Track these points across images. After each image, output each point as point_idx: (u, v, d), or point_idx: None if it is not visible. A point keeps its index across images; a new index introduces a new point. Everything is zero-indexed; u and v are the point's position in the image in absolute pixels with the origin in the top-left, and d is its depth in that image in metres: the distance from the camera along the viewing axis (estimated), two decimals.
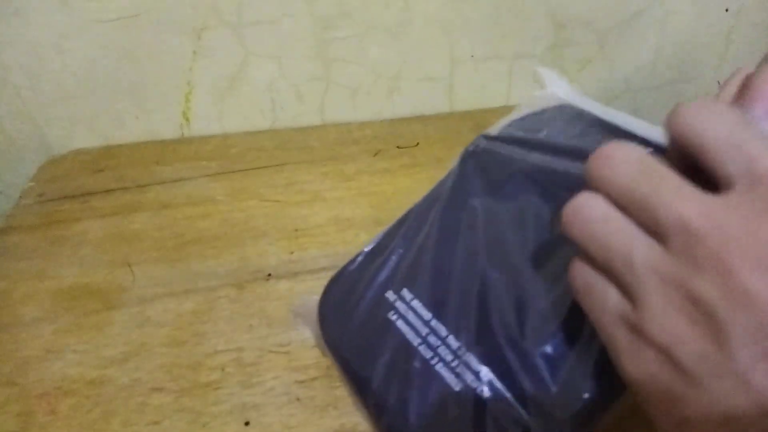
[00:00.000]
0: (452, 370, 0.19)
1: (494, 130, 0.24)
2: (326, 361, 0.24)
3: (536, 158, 0.21)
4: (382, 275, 0.22)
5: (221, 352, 0.25)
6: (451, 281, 0.20)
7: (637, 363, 0.13)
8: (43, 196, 0.36)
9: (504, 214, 0.21)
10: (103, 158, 0.40)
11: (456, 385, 0.18)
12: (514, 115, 0.24)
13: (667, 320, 0.13)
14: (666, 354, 0.13)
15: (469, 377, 0.18)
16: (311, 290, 0.28)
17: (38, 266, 0.30)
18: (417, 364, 0.19)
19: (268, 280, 0.29)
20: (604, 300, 0.14)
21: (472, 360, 0.18)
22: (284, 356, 0.25)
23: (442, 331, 0.20)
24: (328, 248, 0.31)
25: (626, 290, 0.14)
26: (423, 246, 0.22)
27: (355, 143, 0.41)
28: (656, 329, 0.13)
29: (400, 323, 0.21)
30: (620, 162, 0.14)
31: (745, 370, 0.11)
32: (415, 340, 0.20)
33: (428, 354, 0.19)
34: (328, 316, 0.23)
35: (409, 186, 0.36)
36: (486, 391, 0.18)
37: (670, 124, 0.14)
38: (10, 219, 0.34)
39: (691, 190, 0.13)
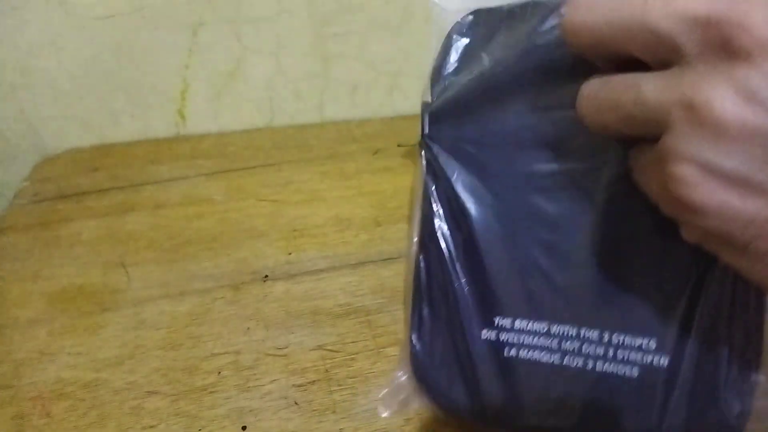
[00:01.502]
0: (614, 360, 0.16)
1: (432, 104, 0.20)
2: (324, 365, 0.24)
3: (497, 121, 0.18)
4: (461, 319, 0.18)
5: (217, 355, 0.25)
6: (525, 277, 0.17)
7: (682, 190, 0.12)
8: (38, 195, 0.35)
9: (502, 181, 0.18)
10: (98, 157, 0.39)
11: (632, 372, 0.16)
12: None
13: (714, 136, 0.11)
14: (726, 174, 0.11)
15: (635, 355, 0.16)
16: (309, 292, 0.28)
17: (32, 267, 0.30)
18: (575, 379, 0.17)
19: (265, 281, 0.28)
20: (644, 155, 0.13)
21: (623, 336, 0.16)
22: (282, 359, 0.24)
23: (571, 330, 0.17)
24: (326, 249, 0.31)
25: (652, 125, 0.12)
26: (464, 268, 0.19)
27: (355, 141, 0.41)
28: (705, 151, 0.11)
29: (523, 354, 0.17)
30: (597, 12, 0.13)
31: None
32: (554, 359, 0.17)
33: (577, 362, 0.17)
34: (437, 392, 0.19)
35: (409, 185, 0.36)
36: (663, 360, 0.16)
37: None
38: (4, 219, 0.33)
39: None
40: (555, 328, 0.17)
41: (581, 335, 0.17)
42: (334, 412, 0.22)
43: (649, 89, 0.12)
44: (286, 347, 0.25)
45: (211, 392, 0.23)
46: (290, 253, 0.30)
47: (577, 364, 0.17)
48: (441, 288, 0.19)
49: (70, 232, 0.32)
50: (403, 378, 0.20)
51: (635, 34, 0.12)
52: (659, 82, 0.12)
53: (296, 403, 0.22)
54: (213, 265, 0.29)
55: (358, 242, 0.31)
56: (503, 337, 0.18)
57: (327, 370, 0.24)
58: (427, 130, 0.20)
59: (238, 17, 0.38)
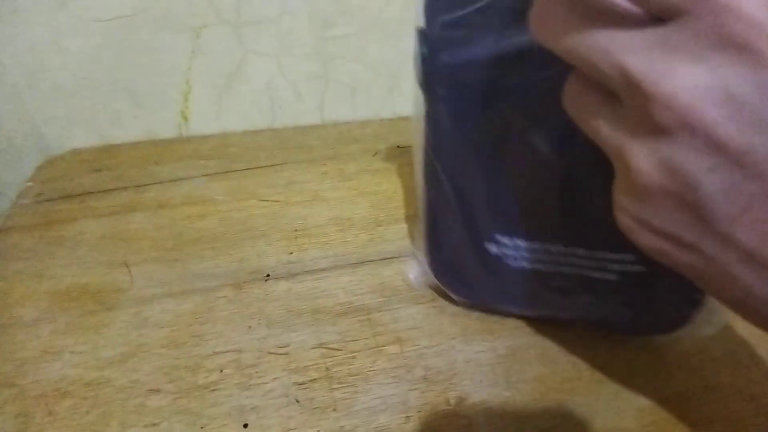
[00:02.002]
0: (597, 269, 0.20)
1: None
2: (325, 363, 0.24)
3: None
4: (468, 234, 0.22)
5: (220, 353, 0.25)
6: (521, 200, 0.20)
7: (642, 243, 0.13)
8: (41, 196, 0.36)
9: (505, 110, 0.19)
10: (101, 158, 0.39)
11: (612, 276, 0.20)
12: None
13: (639, 196, 0.12)
14: (657, 230, 0.12)
15: (615, 266, 0.20)
16: (311, 291, 0.28)
17: (36, 267, 0.30)
18: (565, 279, 0.21)
19: (266, 280, 0.29)
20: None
21: (605, 253, 0.20)
22: (283, 357, 0.24)
23: (562, 249, 0.20)
24: (327, 249, 0.31)
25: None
26: (467, 187, 0.21)
27: (355, 142, 0.41)
28: (635, 209, 0.12)
29: (521, 263, 0.21)
30: (550, 16, 0.12)
31: (727, 231, 0.11)
32: (547, 268, 0.21)
33: (567, 270, 0.21)
34: (453, 289, 0.25)
35: (409, 185, 0.36)
36: (638, 269, 0.20)
37: None
38: (7, 219, 0.34)
39: (629, 28, 0.11)
40: (548, 247, 0.21)
41: (570, 252, 0.21)
42: (335, 410, 0.22)
43: (604, 124, 0.12)
44: (288, 345, 0.25)
45: (213, 390, 0.23)
46: (291, 253, 0.30)
47: (567, 271, 0.21)
48: (447, 209, 0.22)
49: (73, 232, 0.32)
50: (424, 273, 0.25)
51: (592, 65, 0.12)
52: (610, 121, 0.12)
53: (297, 401, 0.23)
54: (215, 265, 0.30)
55: (359, 242, 0.31)
56: (504, 250, 0.21)
57: (328, 368, 0.24)
58: (426, 55, 0.19)
59: (239, 19, 0.38)
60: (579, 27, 0.12)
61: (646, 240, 0.13)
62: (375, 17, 0.40)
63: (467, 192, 0.21)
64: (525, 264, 0.22)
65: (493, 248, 0.22)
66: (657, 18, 0.11)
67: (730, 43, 0.10)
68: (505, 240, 0.21)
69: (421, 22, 0.19)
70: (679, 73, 0.10)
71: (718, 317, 0.23)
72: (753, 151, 0.10)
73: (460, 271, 0.24)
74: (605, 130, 0.12)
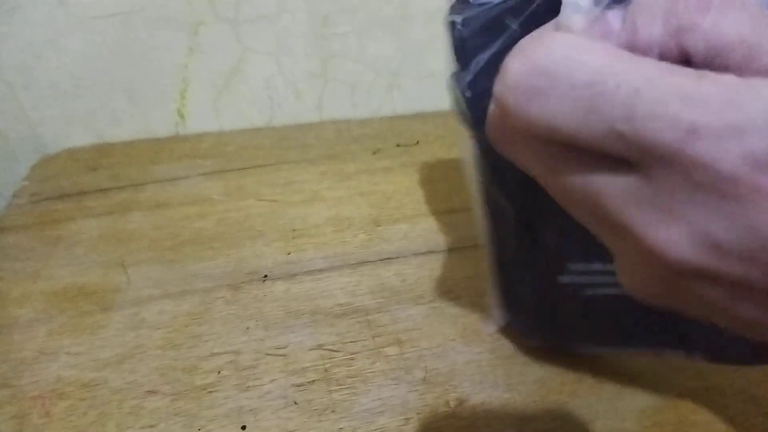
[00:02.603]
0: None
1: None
2: (324, 364, 0.24)
3: None
4: (538, 268, 0.20)
5: (217, 354, 0.25)
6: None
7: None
8: (37, 195, 0.35)
9: None
10: (98, 157, 0.39)
11: None
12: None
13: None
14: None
15: None
16: (309, 292, 0.28)
17: (32, 267, 0.30)
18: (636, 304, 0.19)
19: (264, 281, 0.29)
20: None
21: None
22: (281, 359, 0.24)
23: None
24: (326, 249, 0.31)
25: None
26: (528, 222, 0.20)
27: (355, 141, 0.41)
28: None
29: (599, 290, 0.20)
30: (549, 92, 0.10)
31: None
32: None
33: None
34: (526, 331, 0.23)
35: (409, 185, 0.36)
36: None
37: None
38: (3, 219, 0.33)
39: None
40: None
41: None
42: (333, 411, 0.22)
43: (611, 201, 0.10)
44: (286, 347, 0.25)
45: (210, 392, 0.23)
46: (290, 253, 0.30)
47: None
48: (511, 246, 0.21)
49: (69, 232, 0.32)
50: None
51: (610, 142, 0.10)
52: (624, 196, 0.10)
53: (296, 403, 0.22)
54: (213, 265, 0.29)
55: (358, 242, 0.31)
56: (578, 279, 0.20)
57: (326, 370, 0.24)
58: (470, 97, 0.18)
59: (238, 17, 0.38)
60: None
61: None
62: (374, 15, 0.39)
63: (536, 224, 0.20)
64: (601, 290, 0.20)
65: (566, 279, 0.20)
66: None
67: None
68: (579, 267, 0.20)
69: (454, 66, 0.19)
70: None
71: None
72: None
73: (533, 313, 0.22)
74: (615, 208, 0.10)
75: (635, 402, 0.22)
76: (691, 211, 0.09)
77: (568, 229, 0.19)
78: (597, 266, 0.19)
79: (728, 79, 0.09)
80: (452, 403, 0.22)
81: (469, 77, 0.18)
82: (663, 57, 0.10)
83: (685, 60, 0.10)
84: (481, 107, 0.18)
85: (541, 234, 0.20)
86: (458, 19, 0.18)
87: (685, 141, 0.09)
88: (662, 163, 0.09)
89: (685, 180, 0.09)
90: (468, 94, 0.18)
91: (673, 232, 0.09)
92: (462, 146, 0.21)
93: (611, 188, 0.10)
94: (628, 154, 0.10)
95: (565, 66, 0.10)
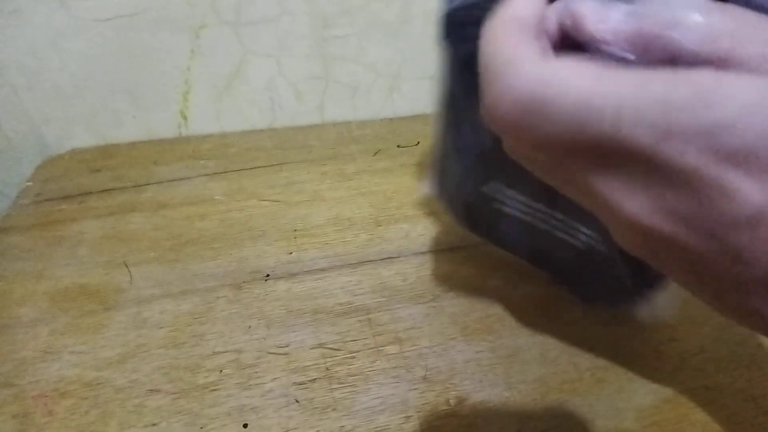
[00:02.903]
0: (569, 234, 0.22)
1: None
2: (325, 363, 0.24)
3: None
4: (468, 174, 0.24)
5: (219, 353, 0.25)
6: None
7: (651, 225, 0.12)
8: (41, 196, 0.35)
9: None
10: (101, 158, 0.39)
11: (579, 243, 0.22)
12: None
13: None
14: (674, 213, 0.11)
15: (584, 237, 0.22)
16: (310, 291, 0.28)
17: (35, 267, 0.30)
18: (539, 233, 0.23)
19: (266, 280, 0.29)
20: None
21: (579, 225, 0.22)
22: (283, 357, 0.24)
23: (543, 208, 0.22)
24: (327, 249, 0.31)
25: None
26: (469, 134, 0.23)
27: (355, 142, 0.41)
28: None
29: (506, 209, 0.24)
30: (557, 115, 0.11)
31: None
32: (528, 219, 0.23)
33: (544, 226, 0.23)
34: (451, 212, 0.27)
35: (409, 185, 0.36)
36: (601, 247, 0.22)
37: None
38: (7, 219, 0.33)
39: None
40: (532, 203, 0.23)
41: (550, 213, 0.23)
42: (334, 409, 0.22)
43: (603, 189, 0.12)
44: (287, 345, 0.25)
45: (212, 390, 0.23)
46: (291, 253, 0.30)
47: (543, 227, 0.23)
48: (454, 151, 0.24)
49: (72, 232, 0.32)
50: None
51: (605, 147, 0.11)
52: (614, 184, 0.11)
53: (297, 401, 0.23)
54: (215, 265, 0.30)
55: (359, 242, 0.31)
56: (495, 194, 0.24)
57: (327, 368, 0.24)
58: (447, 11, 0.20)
59: (239, 19, 0.38)
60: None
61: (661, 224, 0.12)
62: (375, 18, 0.40)
63: (471, 139, 0.23)
64: (515, 212, 0.24)
65: (487, 191, 0.24)
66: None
67: None
68: (499, 187, 0.23)
69: None
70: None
71: (672, 302, 0.25)
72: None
73: (459, 202, 0.26)
74: (641, 215, 0.11)
75: (635, 401, 0.22)
76: (667, 195, 0.11)
77: (494, 152, 0.21)
78: (509, 192, 0.23)
79: (704, 78, 0.10)
80: (452, 402, 0.22)
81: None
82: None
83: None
84: (452, 22, 0.20)
85: (474, 149, 0.23)
86: None
87: (660, 143, 0.10)
88: (643, 160, 0.11)
89: (661, 173, 0.11)
90: (445, 7, 0.21)
91: (651, 212, 0.11)
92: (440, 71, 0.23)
93: (603, 179, 0.12)
94: (616, 155, 0.11)
95: (552, 95, 0.11)
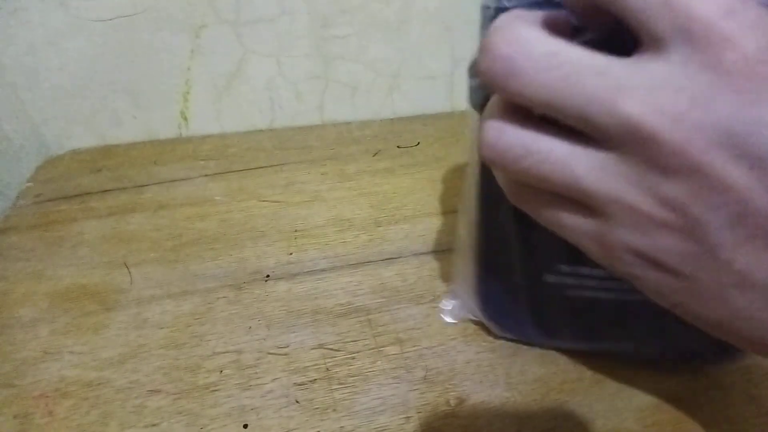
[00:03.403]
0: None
1: None
2: (325, 363, 0.24)
3: None
4: (528, 264, 0.21)
5: (219, 354, 0.25)
6: None
7: (621, 268, 0.13)
8: (41, 196, 0.35)
9: None
10: (101, 158, 0.39)
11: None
12: None
13: (638, 228, 0.12)
14: (646, 259, 0.12)
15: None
16: (310, 292, 0.28)
17: (35, 267, 0.30)
18: (622, 309, 0.20)
19: (266, 281, 0.29)
20: (563, 221, 0.13)
21: None
22: (283, 358, 0.24)
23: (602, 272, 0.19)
24: (327, 249, 0.31)
25: (583, 206, 0.13)
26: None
27: (355, 143, 0.41)
28: (629, 239, 0.12)
29: (583, 293, 0.20)
30: (523, 67, 0.11)
31: (728, 258, 0.11)
32: (609, 295, 0.20)
33: (626, 296, 0.20)
34: (505, 326, 0.24)
35: (409, 186, 0.36)
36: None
37: None
38: (7, 219, 0.33)
39: (624, 71, 0.11)
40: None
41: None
42: (335, 410, 0.22)
43: (584, 173, 0.12)
44: (288, 346, 0.25)
45: (212, 391, 0.23)
46: (291, 253, 0.30)
47: (628, 297, 0.19)
48: (506, 239, 0.21)
49: (73, 233, 0.32)
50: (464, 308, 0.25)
51: (580, 115, 0.11)
52: (595, 167, 0.12)
53: (297, 402, 0.23)
54: (215, 265, 0.30)
55: (359, 242, 0.31)
56: (565, 280, 0.20)
57: (328, 369, 0.24)
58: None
59: (239, 19, 0.38)
60: (567, 75, 0.11)
61: (643, 273, 0.13)
62: (375, 17, 0.39)
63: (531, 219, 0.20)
64: (585, 293, 0.21)
65: (552, 279, 0.21)
66: (650, 51, 0.11)
67: (727, 81, 0.10)
68: (568, 268, 0.20)
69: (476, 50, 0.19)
70: (686, 118, 0.10)
71: None
72: (756, 188, 0.10)
73: (511, 307, 0.23)
74: (589, 181, 0.12)
75: (635, 401, 0.22)
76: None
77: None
78: (584, 270, 0.20)
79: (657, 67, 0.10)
80: (452, 402, 0.22)
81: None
82: None
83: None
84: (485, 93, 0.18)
85: (536, 230, 0.20)
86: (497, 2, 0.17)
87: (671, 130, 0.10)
88: (630, 138, 0.11)
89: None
90: (474, 79, 0.19)
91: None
92: (469, 134, 0.21)
93: (588, 164, 0.12)
94: (601, 129, 0.11)
95: (539, 55, 0.11)
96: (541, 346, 0.24)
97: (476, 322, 0.25)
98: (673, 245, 0.12)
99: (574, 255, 0.19)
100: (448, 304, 0.26)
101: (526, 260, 0.21)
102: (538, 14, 0.12)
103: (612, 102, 0.11)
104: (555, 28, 0.12)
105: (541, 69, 0.11)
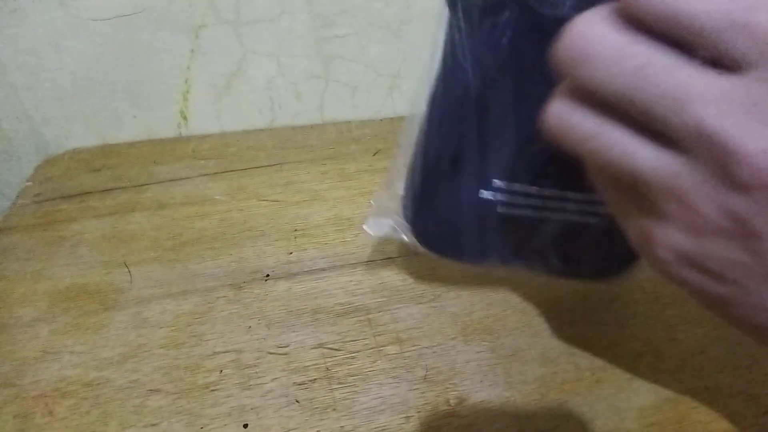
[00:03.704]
0: (585, 213, 0.20)
1: None
2: (325, 363, 0.24)
3: None
4: (461, 178, 0.21)
5: (219, 353, 0.25)
6: (523, 143, 0.19)
7: (659, 266, 0.13)
8: (40, 196, 0.35)
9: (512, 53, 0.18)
10: (101, 158, 0.39)
11: (596, 221, 0.20)
12: None
13: (691, 231, 0.12)
14: (691, 261, 0.12)
15: (600, 210, 0.20)
16: (310, 291, 0.28)
17: (35, 267, 0.30)
18: (552, 228, 0.21)
19: (266, 280, 0.29)
20: (618, 204, 0.14)
21: (595, 197, 0.19)
22: (283, 358, 0.24)
23: (557, 193, 0.20)
24: (327, 249, 0.31)
25: (640, 195, 0.13)
26: (469, 128, 0.20)
27: (355, 142, 0.41)
28: (678, 239, 0.12)
29: (513, 210, 0.21)
30: (599, 58, 0.12)
31: None
32: (538, 214, 0.20)
33: (557, 216, 0.20)
34: (431, 241, 0.23)
35: None
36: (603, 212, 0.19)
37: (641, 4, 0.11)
38: (7, 219, 0.33)
39: (699, 77, 0.11)
40: (545, 191, 0.20)
41: (564, 196, 0.20)
42: (334, 410, 0.22)
43: (646, 166, 0.12)
44: (287, 346, 0.25)
45: (212, 390, 0.23)
46: (291, 253, 0.30)
47: (556, 217, 0.20)
48: (443, 146, 0.21)
49: (72, 232, 0.32)
50: (390, 219, 0.23)
51: (656, 116, 0.11)
52: (658, 164, 0.12)
53: (297, 401, 0.23)
54: (215, 265, 0.30)
55: (359, 242, 0.31)
56: (498, 197, 0.21)
57: (328, 369, 0.24)
58: None
59: (239, 19, 0.38)
60: (638, 69, 0.11)
61: (681, 274, 0.13)
62: (375, 17, 0.39)
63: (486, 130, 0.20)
64: (515, 210, 0.21)
65: (487, 195, 0.21)
66: (724, 66, 0.11)
67: None
68: (502, 184, 0.21)
69: None
70: (763, 135, 0.10)
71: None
72: None
73: (440, 221, 0.23)
74: (650, 174, 0.12)
75: (635, 401, 0.22)
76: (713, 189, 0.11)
77: (505, 147, 0.20)
78: (517, 186, 0.21)
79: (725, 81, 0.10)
80: (452, 402, 0.22)
81: None
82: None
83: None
84: None
85: (487, 142, 0.20)
86: None
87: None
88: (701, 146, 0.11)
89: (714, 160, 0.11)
90: None
91: (709, 209, 0.11)
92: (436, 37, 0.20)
93: (653, 160, 0.12)
94: (670, 128, 0.11)
95: (612, 44, 0.11)
96: (461, 263, 0.24)
97: (397, 241, 0.24)
98: (724, 252, 0.12)
99: (512, 171, 0.20)
100: (372, 218, 0.25)
101: (467, 174, 0.21)
102: (614, 6, 0.13)
103: (685, 103, 0.11)
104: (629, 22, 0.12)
105: (613, 58, 0.11)
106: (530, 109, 0.18)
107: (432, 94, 0.21)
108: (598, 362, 0.24)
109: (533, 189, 0.21)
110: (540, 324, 0.25)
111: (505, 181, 0.21)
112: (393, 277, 0.29)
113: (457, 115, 0.20)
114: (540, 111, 0.16)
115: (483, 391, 0.23)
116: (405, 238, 0.24)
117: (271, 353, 0.25)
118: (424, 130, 0.22)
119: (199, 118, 0.42)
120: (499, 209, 0.21)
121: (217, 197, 0.35)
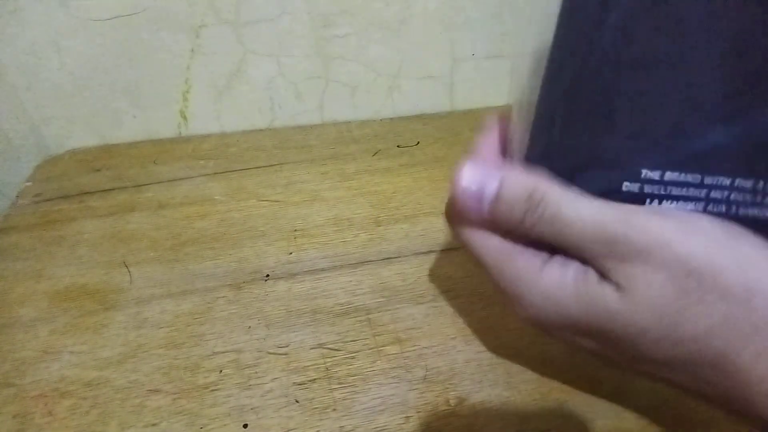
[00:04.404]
0: (759, 205, 0.15)
1: None
2: (325, 363, 0.24)
3: None
4: (600, 166, 0.16)
5: (219, 353, 0.25)
6: (684, 116, 0.14)
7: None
8: (40, 195, 0.35)
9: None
10: (101, 158, 0.39)
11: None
12: None
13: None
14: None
15: None
16: (310, 291, 0.28)
17: (35, 266, 0.30)
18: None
19: (266, 280, 0.29)
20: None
21: None
22: (283, 358, 0.24)
23: (724, 180, 0.15)
24: (327, 249, 0.31)
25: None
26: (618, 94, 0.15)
27: (355, 142, 0.41)
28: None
29: (665, 203, 0.15)
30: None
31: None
32: (697, 207, 0.15)
33: (720, 208, 0.15)
34: None
35: (409, 185, 0.36)
36: None
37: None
38: (7, 219, 0.33)
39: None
40: (708, 179, 0.15)
41: (734, 185, 0.15)
42: (334, 410, 0.22)
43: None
44: (287, 346, 0.25)
45: (212, 390, 0.23)
46: (291, 253, 0.30)
47: (719, 209, 0.15)
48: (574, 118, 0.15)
49: (72, 232, 0.32)
50: None
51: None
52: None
53: (297, 401, 0.23)
54: (214, 265, 0.30)
55: (358, 242, 0.31)
56: (648, 189, 0.15)
57: (327, 369, 0.24)
58: None
59: (239, 19, 0.38)
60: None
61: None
62: (375, 17, 0.39)
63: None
64: (667, 203, 0.16)
65: (634, 188, 0.16)
66: None
67: None
68: (655, 175, 0.15)
69: None
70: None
71: None
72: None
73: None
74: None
75: (635, 401, 0.22)
76: None
77: (654, 117, 0.15)
78: (672, 176, 0.15)
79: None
80: (452, 402, 0.22)
81: None
82: None
83: None
84: None
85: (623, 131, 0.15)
86: None
87: None
88: None
89: None
90: None
91: None
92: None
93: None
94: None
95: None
96: None
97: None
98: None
99: (666, 154, 0.15)
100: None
101: (601, 159, 0.16)
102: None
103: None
104: None
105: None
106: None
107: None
108: (598, 362, 0.24)
109: (695, 177, 0.15)
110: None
111: (658, 170, 0.15)
112: (393, 277, 0.29)
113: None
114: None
115: (483, 391, 0.23)
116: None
117: (270, 353, 0.25)
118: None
119: (199, 118, 0.42)
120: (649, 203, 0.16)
121: (217, 197, 0.35)
